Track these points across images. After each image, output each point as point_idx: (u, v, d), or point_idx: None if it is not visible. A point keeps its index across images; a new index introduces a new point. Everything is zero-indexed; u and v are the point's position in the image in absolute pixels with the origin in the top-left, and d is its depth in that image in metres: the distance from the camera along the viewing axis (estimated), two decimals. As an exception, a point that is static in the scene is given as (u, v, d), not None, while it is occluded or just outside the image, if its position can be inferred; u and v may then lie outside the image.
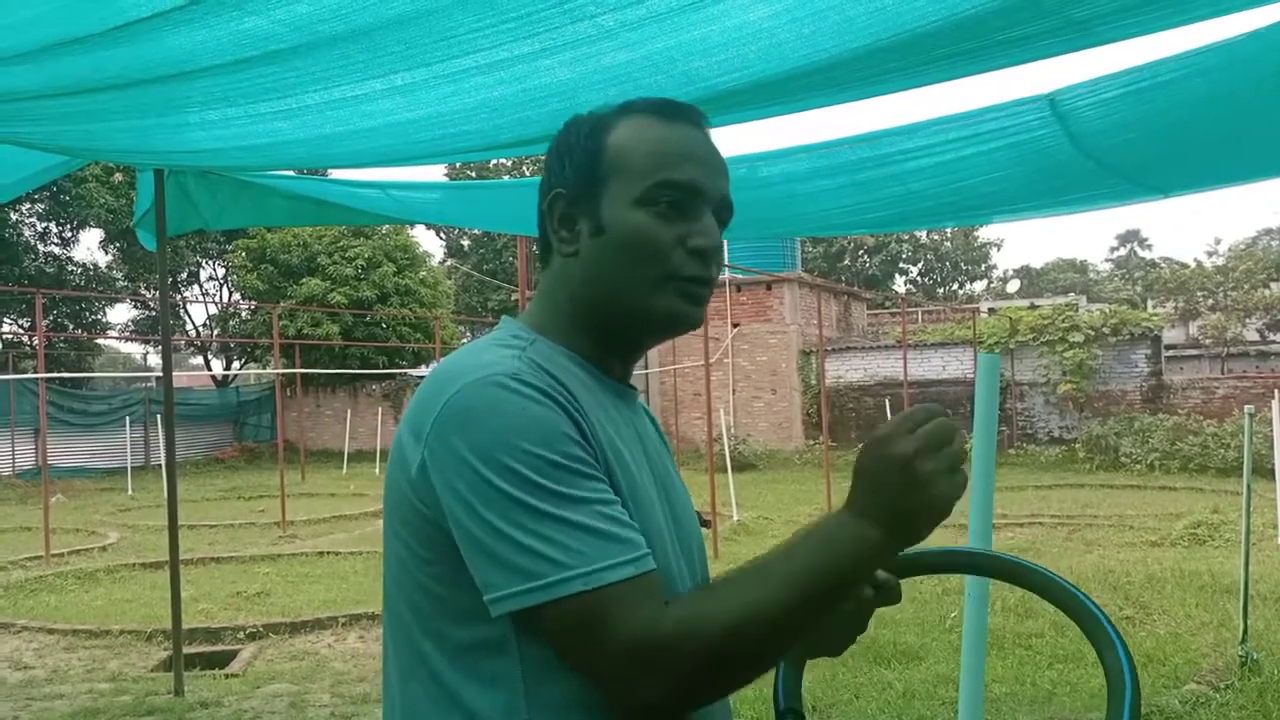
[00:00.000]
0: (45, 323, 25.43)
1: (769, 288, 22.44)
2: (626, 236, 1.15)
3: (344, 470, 21.35)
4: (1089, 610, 1.12)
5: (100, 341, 32.82)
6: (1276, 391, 12.13)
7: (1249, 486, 5.53)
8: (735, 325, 22.25)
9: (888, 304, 34.71)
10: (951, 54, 2.83)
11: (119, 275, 28.50)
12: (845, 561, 1.02)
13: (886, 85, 3.11)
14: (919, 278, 46.96)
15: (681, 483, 1.30)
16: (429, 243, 47.47)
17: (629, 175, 1.15)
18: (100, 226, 25.67)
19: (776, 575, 1.02)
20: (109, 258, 28.30)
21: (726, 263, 20.39)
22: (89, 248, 41.29)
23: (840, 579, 1.02)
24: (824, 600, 1.03)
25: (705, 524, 9.78)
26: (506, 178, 29.24)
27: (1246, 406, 5.74)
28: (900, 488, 1.01)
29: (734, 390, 22.32)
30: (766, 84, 2.92)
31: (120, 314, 38.43)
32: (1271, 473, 9.96)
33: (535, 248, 1.27)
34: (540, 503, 0.99)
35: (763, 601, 1.00)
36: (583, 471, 1.03)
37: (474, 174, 29.95)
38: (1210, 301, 30.44)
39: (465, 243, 37.72)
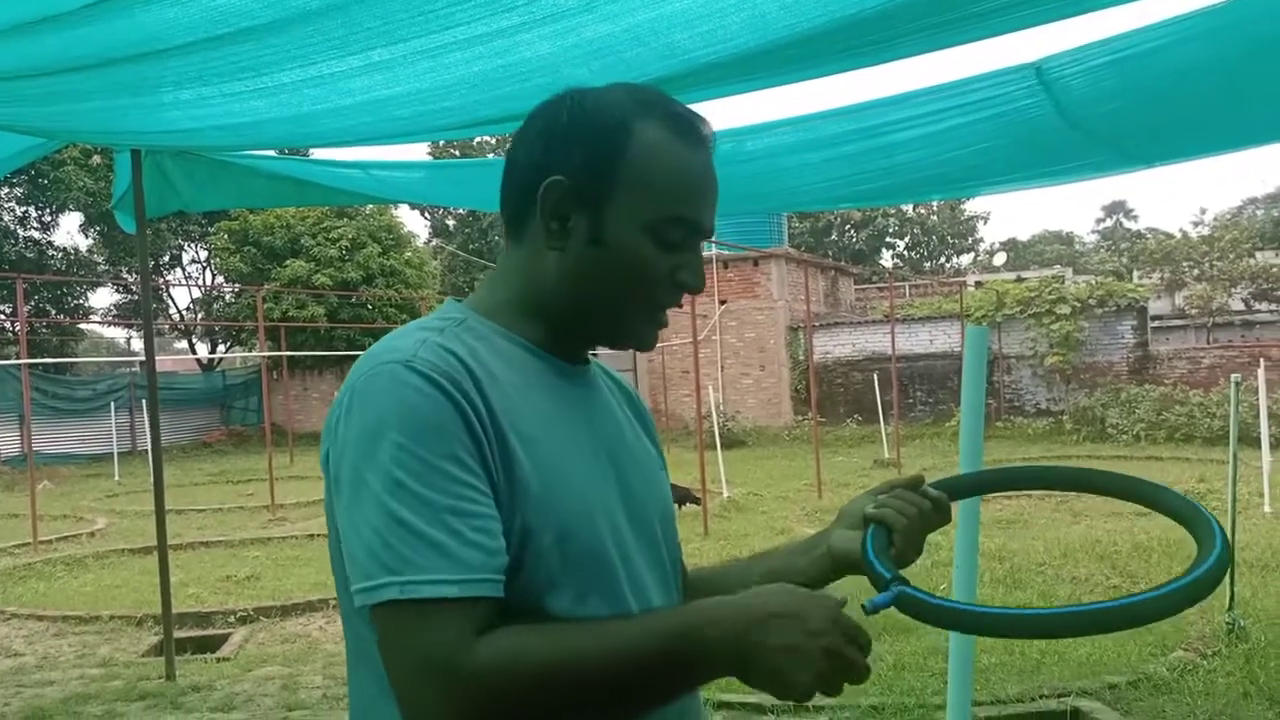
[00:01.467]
0: (27, 308, 25.24)
1: (756, 264, 22.42)
2: (627, 259, 1.11)
3: (333, 452, 21.29)
4: (1178, 497, 1.10)
5: (83, 326, 32.62)
6: (1262, 361, 12.21)
7: (1235, 455, 5.56)
8: (723, 302, 22.25)
9: (875, 279, 34.77)
10: (937, 24, 2.80)
11: (100, 259, 28.30)
12: (690, 660, 0.99)
13: (871, 57, 3.08)
14: (906, 252, 47.01)
15: (646, 453, 1.26)
16: (414, 223, 47.36)
17: (646, 197, 1.10)
18: (80, 210, 25.46)
19: (615, 635, 0.99)
20: (89, 241, 28.11)
21: (713, 239, 20.51)
22: (69, 231, 41.07)
23: (677, 671, 0.99)
24: (650, 684, 1.00)
25: (695, 501, 9.79)
26: (491, 156, 29.10)
27: (1233, 375, 5.76)
28: (789, 649, 0.97)
29: (722, 367, 22.34)
30: (750, 56, 2.89)
31: (102, 298, 38.22)
32: (1257, 441, 10.03)
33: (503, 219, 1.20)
34: (393, 501, 0.97)
35: (586, 655, 0.97)
36: (450, 472, 0.99)
37: (458, 152, 29.79)
38: (1196, 272, 30.57)
39: (450, 222, 37.58)
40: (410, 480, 0.98)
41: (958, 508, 2.09)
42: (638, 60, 2.83)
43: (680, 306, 1.19)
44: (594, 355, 1.28)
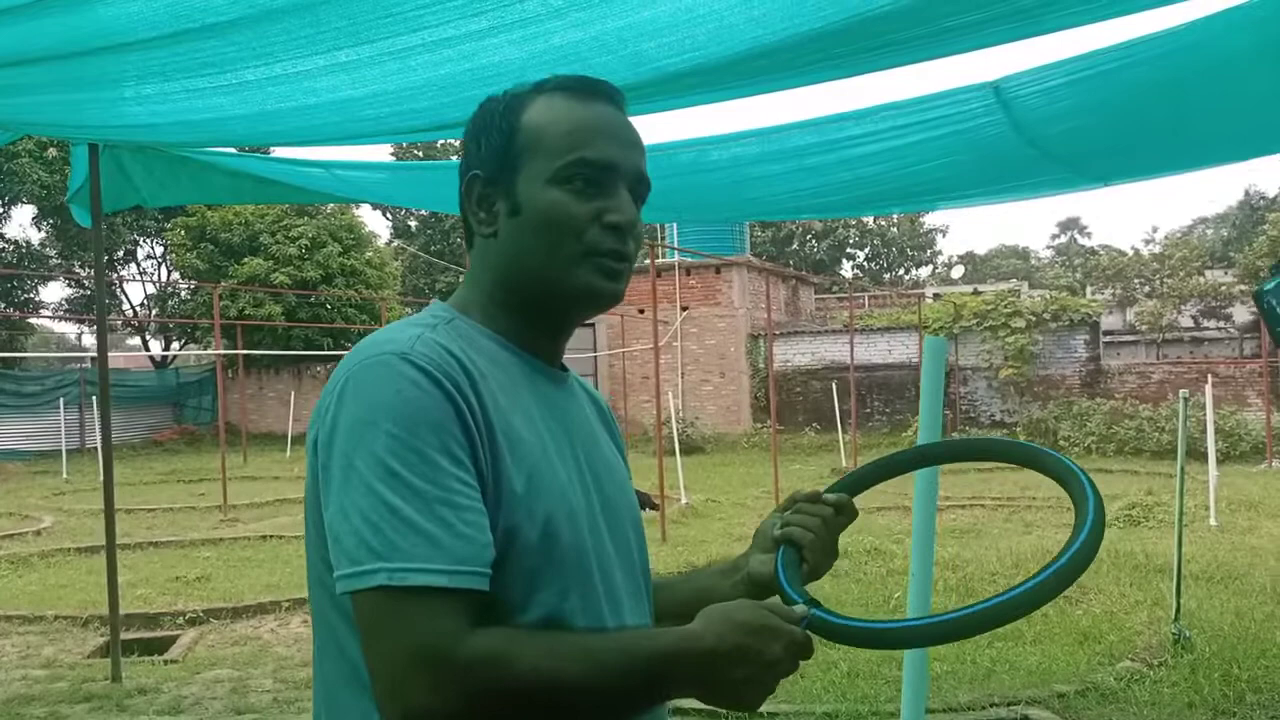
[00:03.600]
0: (-25, 301, 24.71)
1: (718, 271, 22.50)
2: (542, 215, 1.14)
3: (287, 453, 21.04)
4: (1045, 453, 1.17)
5: (32, 321, 31.98)
6: (1210, 376, 12.48)
7: (1182, 468, 5.67)
8: (684, 309, 22.30)
9: (835, 289, 35.04)
10: (900, 40, 2.85)
11: (52, 253, 27.75)
12: (662, 685, 1.04)
13: (835, 70, 3.12)
14: (866, 263, 47.41)
15: (619, 463, 1.29)
16: (375, 223, 46.88)
17: (544, 154, 1.15)
18: (33, 202, 24.95)
19: (598, 654, 1.02)
20: (42, 234, 27.56)
21: (675, 245, 20.54)
22: (21, 224, 40.19)
23: (649, 693, 1.05)
24: (623, 702, 1.04)
25: (653, 507, 9.79)
26: (454, 158, 28.93)
27: (1181, 391, 5.88)
28: (749, 680, 1.03)
29: (682, 374, 22.39)
30: (716, 66, 2.91)
31: (54, 292, 37.47)
32: (1204, 456, 10.23)
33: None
34: (385, 489, 0.98)
35: (569, 670, 1.00)
36: (442, 465, 1.00)
37: (421, 154, 29.59)
38: (1147, 288, 31.17)
39: (412, 223, 37.30)
40: (403, 470, 0.99)
41: (918, 506, 2.13)
42: (605, 68, 2.85)
43: (625, 253, 1.18)
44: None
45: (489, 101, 1.22)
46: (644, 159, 1.22)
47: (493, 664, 0.97)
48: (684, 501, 11.52)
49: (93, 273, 23.99)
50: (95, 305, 5.73)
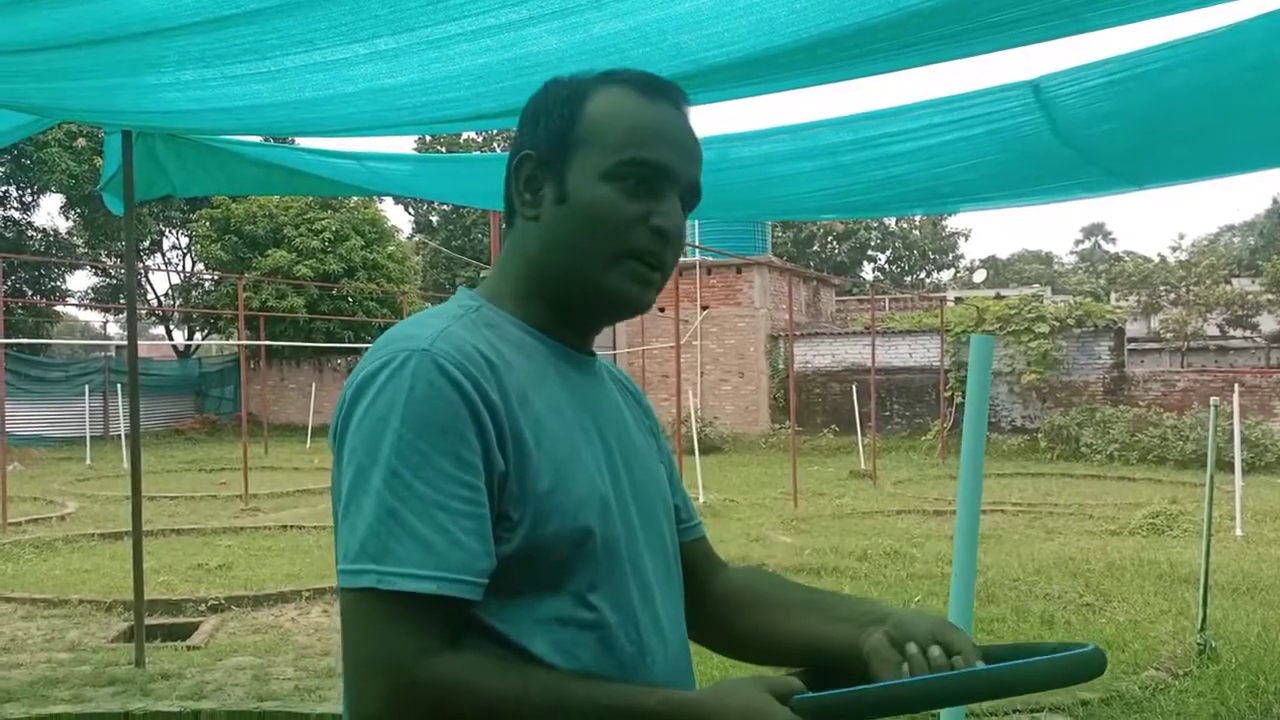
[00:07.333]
0: (4, 288, 24.91)
1: (739, 271, 22.46)
2: (588, 207, 1.12)
3: (308, 444, 21.18)
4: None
5: (59, 309, 32.25)
6: (1236, 385, 12.35)
7: (1211, 477, 5.61)
8: (704, 308, 22.27)
9: (856, 291, 34.89)
10: (941, 36, 2.82)
11: (79, 241, 28.01)
12: None
13: (875, 66, 3.09)
14: (887, 265, 47.21)
15: (649, 448, 1.27)
16: (397, 217, 47.07)
17: (601, 147, 1.12)
18: (61, 191, 25.18)
19: (567, 700, 0.99)
20: (69, 223, 27.83)
21: (696, 244, 20.53)
22: (49, 213, 40.59)
23: None
24: None
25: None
26: (478, 153, 29.00)
27: (1212, 399, 5.81)
28: None
29: (702, 373, 22.36)
30: (756, 60, 2.89)
31: (80, 281, 37.77)
32: (1229, 465, 10.12)
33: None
34: (387, 492, 0.98)
35: (530, 713, 0.98)
36: (447, 470, 0.99)
37: (444, 148, 29.68)
38: (1172, 296, 30.93)
39: (434, 219, 37.43)
40: (407, 473, 0.98)
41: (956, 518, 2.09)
42: (644, 59, 2.83)
43: (663, 262, 1.15)
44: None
45: (553, 83, 1.20)
46: (700, 169, 1.19)
47: (451, 689, 0.97)
48: (701, 500, 11.51)
49: (119, 262, 24.19)
50: (122, 294, 5.77)
